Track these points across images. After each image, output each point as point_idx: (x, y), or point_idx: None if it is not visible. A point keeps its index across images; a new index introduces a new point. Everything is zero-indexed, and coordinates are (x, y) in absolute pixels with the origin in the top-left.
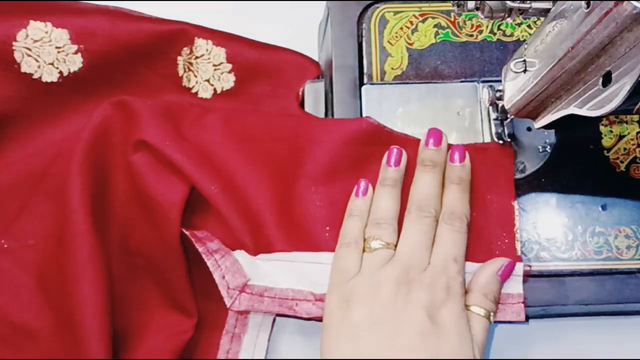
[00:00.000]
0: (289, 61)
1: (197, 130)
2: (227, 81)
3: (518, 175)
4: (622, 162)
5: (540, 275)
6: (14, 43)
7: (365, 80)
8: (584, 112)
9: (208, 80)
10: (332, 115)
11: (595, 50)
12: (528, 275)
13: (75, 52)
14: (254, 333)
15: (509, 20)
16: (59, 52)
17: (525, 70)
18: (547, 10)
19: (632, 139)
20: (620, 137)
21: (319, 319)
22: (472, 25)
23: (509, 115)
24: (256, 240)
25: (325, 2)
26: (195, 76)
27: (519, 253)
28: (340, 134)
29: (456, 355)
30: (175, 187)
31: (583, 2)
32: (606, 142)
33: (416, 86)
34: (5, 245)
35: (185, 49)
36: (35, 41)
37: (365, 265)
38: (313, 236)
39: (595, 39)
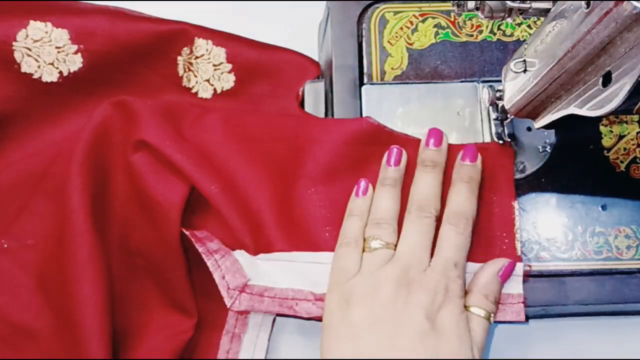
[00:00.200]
0: (289, 61)
1: (197, 130)
2: (227, 81)
3: (518, 175)
4: (622, 162)
5: (540, 275)
6: (14, 43)
7: (365, 80)
8: (584, 112)
9: (208, 80)
10: (332, 115)
11: (595, 50)
12: (528, 275)
13: (75, 52)
14: (254, 333)
15: (509, 20)
16: (59, 52)
17: (525, 70)
18: (547, 10)
19: (632, 139)
20: (620, 137)
21: (319, 319)
22: (472, 25)
23: (509, 115)
24: (256, 240)
25: (325, 2)
26: (195, 76)
27: (519, 253)
28: (340, 134)
29: (455, 356)
30: (175, 187)
31: (583, 2)
32: (606, 142)
33: (416, 86)
34: (5, 245)
35: (185, 49)
36: (35, 41)
37: (365, 265)
38: (313, 236)
39: (595, 39)
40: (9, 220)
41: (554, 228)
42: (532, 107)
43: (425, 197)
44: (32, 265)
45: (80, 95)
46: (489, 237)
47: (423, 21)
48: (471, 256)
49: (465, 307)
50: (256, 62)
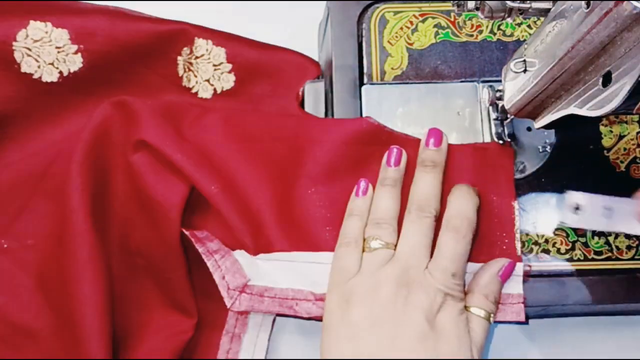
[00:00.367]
0: (289, 61)
1: (197, 130)
2: (227, 81)
3: (518, 175)
4: (622, 162)
5: (540, 275)
6: (14, 43)
7: (365, 80)
8: (584, 112)
9: (208, 80)
10: (332, 115)
11: (595, 50)
12: (528, 275)
13: (75, 52)
14: (254, 333)
15: (509, 20)
16: (59, 52)
17: (525, 70)
18: (547, 10)
19: (632, 139)
20: (620, 137)
21: (319, 319)
22: (472, 25)
23: (509, 115)
24: (256, 240)
25: (325, 2)
26: (195, 76)
27: (519, 253)
28: (340, 134)
29: (455, 356)
30: (175, 187)
31: (583, 2)
32: (606, 142)
33: (416, 86)
34: (5, 245)
35: (185, 49)
36: (35, 41)
37: (365, 265)
38: (313, 236)
39: (595, 39)
40: (9, 220)
41: (554, 228)
42: (532, 107)
43: (425, 197)
44: (32, 265)
45: (80, 95)
46: (489, 237)
47: (423, 21)
48: (471, 256)
49: (465, 308)
50: (256, 62)
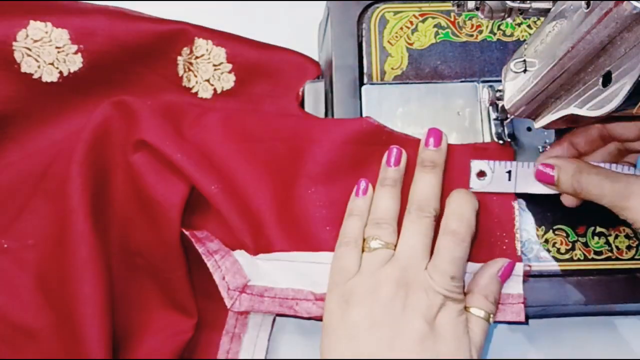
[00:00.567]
0: (289, 61)
1: (197, 130)
2: (227, 81)
3: None
4: None
5: (540, 275)
6: (14, 43)
7: (365, 80)
8: (584, 112)
9: (208, 80)
10: (332, 115)
11: (595, 50)
12: (528, 275)
13: (75, 52)
14: (254, 333)
15: (509, 20)
16: (59, 52)
17: (525, 70)
18: (547, 10)
19: None
20: None
21: (319, 319)
22: (472, 25)
23: (509, 115)
24: (256, 240)
25: (325, 2)
26: (195, 76)
27: (519, 253)
28: (340, 134)
29: (454, 357)
30: (175, 187)
31: (583, 2)
32: None
33: (416, 86)
34: (5, 245)
35: (185, 49)
36: (35, 41)
37: (364, 265)
38: (313, 236)
39: (595, 39)
40: (9, 220)
41: (554, 228)
42: (532, 107)
43: (425, 197)
44: (32, 265)
45: (80, 95)
46: (489, 237)
47: (423, 21)
48: (471, 256)
49: (465, 308)
50: (256, 62)
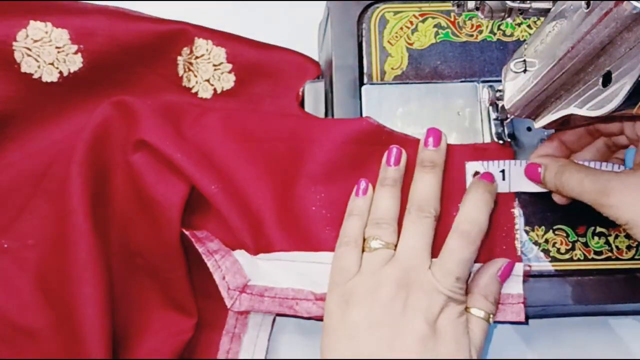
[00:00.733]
0: (289, 61)
1: (197, 130)
2: (227, 81)
3: None
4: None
5: (540, 275)
6: (14, 43)
7: (365, 80)
8: (584, 112)
9: (208, 80)
10: (332, 115)
11: (595, 50)
12: (528, 275)
13: (75, 52)
14: (254, 333)
15: (509, 20)
16: (59, 52)
17: (525, 70)
18: (547, 10)
19: None
20: None
21: (320, 319)
22: (472, 25)
23: (509, 115)
24: (256, 240)
25: (325, 2)
26: (195, 76)
27: (519, 253)
28: (340, 134)
29: (453, 356)
30: (175, 187)
31: (583, 2)
32: None
33: (416, 86)
34: (5, 245)
35: (185, 49)
36: (35, 41)
37: (365, 265)
38: (313, 236)
39: (595, 39)
40: (9, 220)
41: (554, 228)
42: (532, 107)
43: (425, 198)
44: (32, 265)
45: (80, 95)
46: (489, 237)
47: (423, 21)
48: None
49: (465, 308)
50: (256, 62)
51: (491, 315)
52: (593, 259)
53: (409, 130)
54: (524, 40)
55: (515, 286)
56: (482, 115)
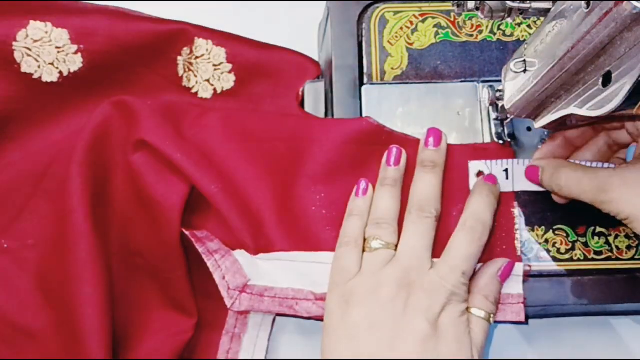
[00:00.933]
0: (289, 61)
1: (197, 130)
2: (227, 81)
3: None
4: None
5: (540, 275)
6: (14, 43)
7: (365, 80)
8: (584, 112)
9: (208, 80)
10: (332, 115)
11: (595, 50)
12: (528, 275)
13: (75, 52)
14: (254, 333)
15: (509, 20)
16: (59, 52)
17: (525, 70)
18: (547, 10)
19: None
20: None
21: (320, 319)
22: (472, 25)
23: (509, 115)
24: (256, 240)
25: (325, 2)
26: (195, 76)
27: (519, 253)
28: (340, 134)
29: (454, 356)
30: (175, 187)
31: (583, 2)
32: None
33: (416, 86)
34: (5, 245)
35: (185, 49)
36: (35, 41)
37: (365, 265)
38: (313, 236)
39: (595, 39)
40: (9, 220)
41: (554, 228)
42: (532, 107)
43: (425, 198)
44: (32, 265)
45: (80, 95)
46: (489, 237)
47: (423, 21)
48: None
49: (466, 309)
50: (256, 62)
51: (492, 315)
52: (593, 259)
53: (409, 130)
54: (524, 40)
55: (515, 286)
56: (482, 115)
